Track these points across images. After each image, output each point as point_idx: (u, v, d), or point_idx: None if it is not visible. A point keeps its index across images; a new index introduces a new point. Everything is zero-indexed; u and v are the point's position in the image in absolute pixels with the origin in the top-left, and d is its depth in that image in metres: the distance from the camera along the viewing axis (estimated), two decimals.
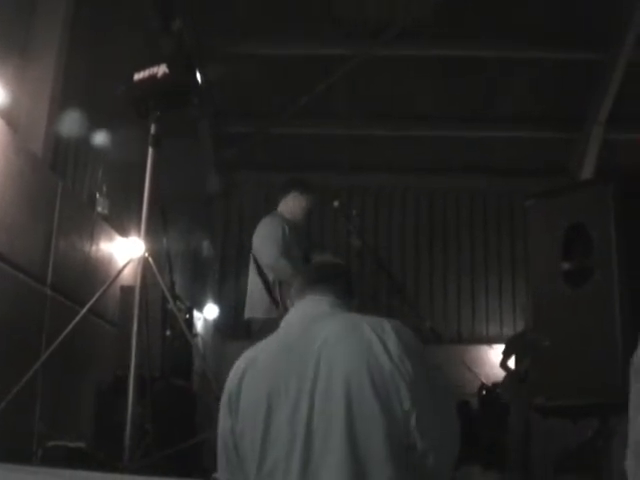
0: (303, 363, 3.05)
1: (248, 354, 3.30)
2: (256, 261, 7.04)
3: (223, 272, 14.98)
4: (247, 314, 7.09)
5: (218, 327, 14.04)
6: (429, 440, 2.97)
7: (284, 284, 6.70)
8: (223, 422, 3.20)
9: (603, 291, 4.77)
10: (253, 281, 7.09)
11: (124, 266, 6.28)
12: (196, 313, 10.59)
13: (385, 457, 2.88)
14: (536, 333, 5.40)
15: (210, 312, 14.04)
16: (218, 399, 3.32)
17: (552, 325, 5.08)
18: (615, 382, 4.60)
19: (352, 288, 3.56)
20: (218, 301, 14.57)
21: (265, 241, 6.97)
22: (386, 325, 3.12)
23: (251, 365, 3.20)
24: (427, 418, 2.97)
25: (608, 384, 4.65)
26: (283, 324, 3.41)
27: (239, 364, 3.27)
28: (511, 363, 10.56)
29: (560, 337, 4.97)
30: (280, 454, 2.96)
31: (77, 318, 5.82)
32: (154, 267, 5.78)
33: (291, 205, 7.26)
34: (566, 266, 5.05)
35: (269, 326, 6.89)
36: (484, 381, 12.12)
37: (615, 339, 4.62)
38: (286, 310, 6.94)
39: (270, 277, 6.83)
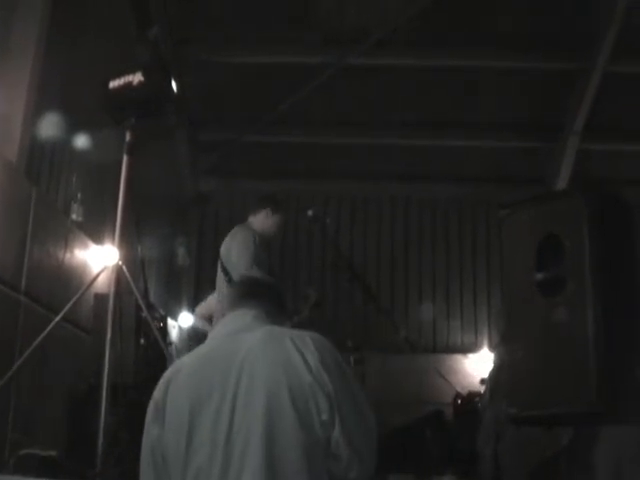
0: (225, 375, 3.15)
1: (174, 365, 3.43)
2: (225, 270, 7.18)
3: (198, 280, 14.91)
4: (215, 321, 7.18)
5: (193, 335, 13.97)
6: (354, 450, 3.10)
7: None
8: (151, 431, 3.30)
9: (576, 301, 4.79)
10: (220, 290, 7.20)
11: (98, 274, 6.28)
12: (171, 321, 10.54)
13: (300, 469, 2.99)
14: (509, 343, 5.43)
15: (185, 320, 13.97)
16: None
17: (525, 335, 5.10)
18: (588, 391, 4.63)
19: (282, 302, 3.70)
20: (193, 309, 14.51)
21: (240, 250, 7.10)
22: (307, 338, 3.23)
23: (175, 376, 3.31)
24: (351, 428, 3.10)
25: (582, 393, 4.67)
26: (209, 337, 3.54)
27: (165, 374, 3.38)
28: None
29: (533, 347, 4.99)
30: (203, 463, 3.05)
31: (51, 325, 5.82)
32: (127, 275, 5.78)
33: (262, 222, 7.46)
34: (539, 276, 5.06)
35: None
36: (459, 390, 12.11)
37: (588, 349, 4.64)
38: None
39: None
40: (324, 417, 3.05)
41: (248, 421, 3.05)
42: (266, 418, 3.03)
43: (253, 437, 3.02)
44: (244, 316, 3.46)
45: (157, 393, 3.34)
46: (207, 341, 3.56)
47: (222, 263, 7.36)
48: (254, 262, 6.98)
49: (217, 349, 3.36)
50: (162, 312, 9.46)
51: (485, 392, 10.66)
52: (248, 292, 3.59)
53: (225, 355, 3.24)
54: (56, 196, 9.31)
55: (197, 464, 3.07)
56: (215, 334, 3.55)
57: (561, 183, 14.59)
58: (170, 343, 9.19)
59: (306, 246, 14.90)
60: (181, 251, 14.82)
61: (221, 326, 3.56)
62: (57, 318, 5.93)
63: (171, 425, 3.21)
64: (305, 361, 3.12)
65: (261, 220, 7.51)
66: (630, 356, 4.95)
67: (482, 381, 11.05)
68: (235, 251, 7.18)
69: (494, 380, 9.95)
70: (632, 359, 4.97)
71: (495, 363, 10.39)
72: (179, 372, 3.33)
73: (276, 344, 3.21)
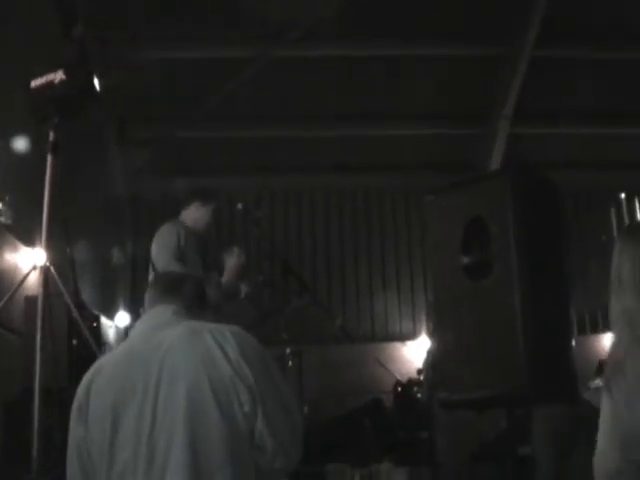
0: (147, 371, 3.18)
1: (96, 364, 3.46)
2: (154, 268, 7.20)
3: (134, 279, 14.80)
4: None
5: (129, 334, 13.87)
6: (279, 441, 3.15)
7: None
8: (75, 430, 3.33)
9: (503, 284, 4.81)
10: None
11: (26, 276, 6.23)
12: (107, 321, 10.44)
13: (224, 461, 3.03)
14: (439, 327, 5.45)
15: (121, 320, 13.89)
16: None
17: (454, 319, 5.12)
18: (518, 373, 4.67)
19: (203, 296, 3.70)
20: (130, 308, 14.42)
21: (160, 248, 7.13)
22: (227, 332, 3.26)
23: (98, 374, 3.34)
24: (275, 419, 3.15)
25: (511, 375, 4.70)
26: (131, 334, 3.53)
27: (87, 374, 3.40)
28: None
29: (462, 331, 5.01)
30: (128, 459, 3.09)
31: None
32: (55, 276, 5.73)
33: (193, 216, 7.46)
34: (466, 260, 5.08)
35: None
36: (399, 378, 12.16)
37: (516, 331, 4.67)
38: None
39: None
40: (246, 409, 3.08)
41: (170, 416, 3.08)
42: (188, 412, 3.06)
43: (176, 431, 3.05)
44: (164, 312, 3.47)
45: (80, 393, 3.36)
46: (128, 339, 3.56)
47: (152, 262, 7.38)
48: (175, 258, 7.02)
49: (138, 346, 3.37)
50: (95, 312, 9.37)
51: (424, 380, 10.74)
52: (167, 288, 3.59)
53: (146, 351, 3.26)
54: None
55: (122, 460, 3.09)
56: (136, 331, 3.54)
57: (494, 168, 14.72)
58: (104, 343, 9.11)
59: (241, 241, 14.86)
60: (115, 251, 14.70)
61: (141, 322, 3.57)
62: None
63: (95, 423, 3.23)
64: (225, 354, 3.14)
65: (191, 214, 7.52)
66: (558, 338, 5.01)
67: (419, 371, 11.15)
68: (155, 248, 7.24)
69: (430, 366, 10.04)
70: (560, 341, 5.03)
71: (429, 350, 10.49)
72: (100, 371, 3.35)
73: (196, 339, 3.23)
